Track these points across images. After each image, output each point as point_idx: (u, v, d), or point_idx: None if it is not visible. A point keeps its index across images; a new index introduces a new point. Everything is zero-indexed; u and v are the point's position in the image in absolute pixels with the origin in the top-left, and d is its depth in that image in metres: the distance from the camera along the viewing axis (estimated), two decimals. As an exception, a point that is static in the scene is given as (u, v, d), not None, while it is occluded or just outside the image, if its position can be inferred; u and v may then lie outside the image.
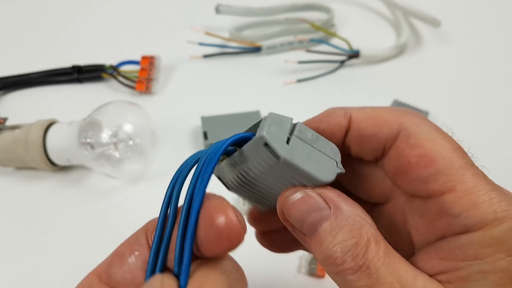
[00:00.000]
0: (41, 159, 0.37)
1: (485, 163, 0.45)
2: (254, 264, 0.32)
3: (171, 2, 0.61)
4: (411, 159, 0.17)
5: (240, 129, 0.46)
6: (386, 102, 0.44)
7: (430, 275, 0.16)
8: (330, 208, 0.17)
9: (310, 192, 0.17)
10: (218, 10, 0.54)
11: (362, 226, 0.16)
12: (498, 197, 0.15)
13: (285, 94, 0.48)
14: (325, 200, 0.17)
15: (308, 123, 0.20)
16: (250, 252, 0.33)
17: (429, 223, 0.17)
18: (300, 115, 0.47)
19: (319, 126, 0.20)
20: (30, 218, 0.36)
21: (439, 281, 0.16)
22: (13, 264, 0.33)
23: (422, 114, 0.18)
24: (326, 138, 0.19)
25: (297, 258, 0.33)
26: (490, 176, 0.17)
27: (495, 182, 0.17)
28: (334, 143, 0.19)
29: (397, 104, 0.44)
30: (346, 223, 0.16)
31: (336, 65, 0.50)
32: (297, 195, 0.17)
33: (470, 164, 0.16)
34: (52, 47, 0.54)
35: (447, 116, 0.45)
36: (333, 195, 0.17)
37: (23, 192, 0.39)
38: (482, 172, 0.16)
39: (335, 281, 0.17)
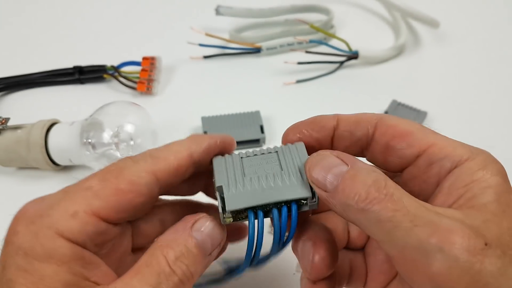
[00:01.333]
0: (43, 159, 0.37)
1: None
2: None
3: (171, 3, 0.61)
4: (394, 134, 0.21)
5: (240, 129, 0.46)
6: (385, 103, 0.45)
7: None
8: (347, 164, 0.19)
9: (329, 153, 0.20)
10: (218, 11, 0.54)
11: (374, 171, 0.19)
12: (468, 145, 0.20)
13: (284, 95, 0.48)
14: (342, 159, 0.20)
15: (302, 123, 0.23)
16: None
17: (425, 179, 0.20)
18: (299, 115, 0.47)
19: (313, 126, 0.23)
20: (32, 218, 0.37)
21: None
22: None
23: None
24: (318, 136, 0.23)
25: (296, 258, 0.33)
26: None
27: None
28: (325, 139, 0.23)
29: (396, 104, 0.44)
30: (364, 169, 0.19)
31: (335, 66, 0.50)
32: (318, 156, 0.20)
33: (435, 131, 0.21)
34: (53, 48, 0.54)
35: (445, 116, 0.45)
36: (347, 155, 0.20)
37: (25, 192, 0.39)
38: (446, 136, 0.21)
39: (359, 223, 0.18)
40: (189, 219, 0.21)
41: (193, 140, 0.23)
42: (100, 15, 0.60)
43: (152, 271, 0.19)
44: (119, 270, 0.21)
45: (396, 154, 0.21)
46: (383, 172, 0.19)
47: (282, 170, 0.21)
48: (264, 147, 0.42)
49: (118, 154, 0.37)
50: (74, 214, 0.19)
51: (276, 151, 0.23)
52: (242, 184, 0.21)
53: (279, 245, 0.22)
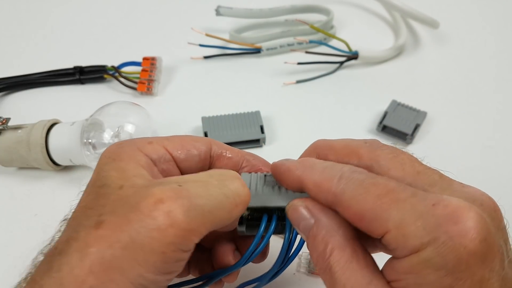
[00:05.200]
0: (43, 159, 0.37)
1: (484, 163, 0.45)
2: (254, 264, 0.33)
3: (171, 4, 0.61)
4: (350, 218, 0.20)
5: (240, 129, 0.46)
6: (385, 103, 0.45)
7: (388, 281, 0.19)
8: (313, 217, 0.21)
9: (300, 203, 0.22)
10: (218, 12, 0.54)
11: (331, 236, 0.20)
12: (422, 224, 0.18)
13: (284, 95, 0.48)
14: (309, 211, 0.21)
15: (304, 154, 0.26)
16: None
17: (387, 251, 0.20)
18: (299, 116, 0.47)
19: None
20: (32, 218, 0.37)
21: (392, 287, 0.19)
22: (14, 264, 0.34)
23: (350, 170, 0.21)
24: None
25: (297, 257, 0.33)
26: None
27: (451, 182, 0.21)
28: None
29: (396, 104, 0.44)
30: (321, 232, 0.21)
31: (335, 66, 0.50)
32: (291, 206, 0.23)
33: (394, 201, 0.19)
34: (54, 48, 0.55)
35: (445, 116, 0.45)
36: (316, 207, 0.21)
37: (25, 191, 0.39)
38: (410, 201, 0.19)
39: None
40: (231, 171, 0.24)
41: (255, 154, 0.28)
42: (101, 16, 0.60)
43: (218, 172, 0.23)
44: None
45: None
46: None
47: None
48: (265, 147, 0.42)
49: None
50: (150, 142, 0.24)
51: None
52: (261, 189, 0.24)
53: (287, 250, 0.24)
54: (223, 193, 0.21)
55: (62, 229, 0.22)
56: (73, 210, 0.22)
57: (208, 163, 0.26)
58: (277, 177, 0.24)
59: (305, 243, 0.22)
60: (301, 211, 0.22)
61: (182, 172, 0.25)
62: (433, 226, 0.18)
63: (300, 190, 0.23)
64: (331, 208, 0.21)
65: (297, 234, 0.23)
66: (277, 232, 0.24)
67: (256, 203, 0.23)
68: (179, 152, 0.25)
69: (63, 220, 0.24)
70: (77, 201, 0.22)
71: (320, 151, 0.24)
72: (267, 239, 0.23)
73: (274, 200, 0.23)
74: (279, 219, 0.24)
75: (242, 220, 0.24)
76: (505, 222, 0.20)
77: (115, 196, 0.20)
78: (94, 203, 0.21)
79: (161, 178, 0.23)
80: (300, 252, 0.33)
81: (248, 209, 0.23)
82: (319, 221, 0.21)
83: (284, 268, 0.24)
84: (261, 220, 0.23)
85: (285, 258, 0.24)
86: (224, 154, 0.26)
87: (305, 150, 0.25)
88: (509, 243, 0.19)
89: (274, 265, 0.24)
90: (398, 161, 0.21)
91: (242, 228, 0.25)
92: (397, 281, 0.19)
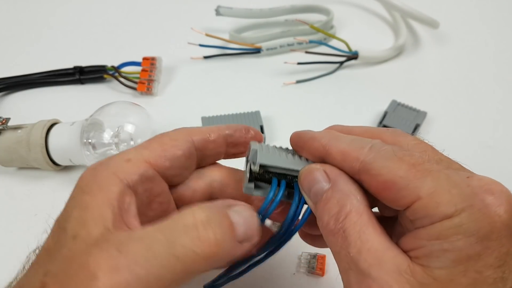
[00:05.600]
0: (43, 159, 0.37)
1: (483, 163, 0.45)
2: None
3: (171, 4, 0.62)
4: (377, 186, 0.20)
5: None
6: (385, 103, 0.45)
7: (405, 251, 0.19)
8: (329, 182, 0.21)
9: (318, 167, 0.21)
10: (218, 12, 0.54)
11: (348, 198, 0.20)
12: (458, 192, 0.18)
13: (284, 95, 0.48)
14: (327, 175, 0.21)
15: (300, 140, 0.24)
16: (250, 251, 0.33)
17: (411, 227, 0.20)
18: (299, 116, 0.47)
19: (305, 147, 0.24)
20: (32, 218, 0.37)
21: (410, 257, 0.18)
22: (14, 263, 0.34)
23: (381, 143, 0.21)
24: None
25: (296, 257, 0.33)
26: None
27: (468, 171, 0.21)
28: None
29: (396, 104, 0.44)
30: (337, 195, 0.20)
31: (335, 66, 0.50)
32: (308, 169, 0.22)
33: (428, 171, 0.19)
34: (54, 48, 0.55)
35: (445, 116, 0.45)
36: (335, 172, 0.21)
37: (25, 192, 0.39)
38: (444, 172, 0.19)
39: (328, 244, 0.20)
40: (231, 201, 0.22)
41: (228, 125, 0.27)
42: (101, 16, 0.60)
43: (173, 224, 0.19)
44: None
45: (384, 204, 0.20)
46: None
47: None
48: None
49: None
50: (128, 160, 0.22)
51: None
52: (273, 151, 0.24)
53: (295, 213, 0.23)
54: (172, 253, 0.18)
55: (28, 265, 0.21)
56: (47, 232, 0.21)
57: (195, 159, 0.25)
58: (298, 144, 0.23)
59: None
60: (316, 174, 0.21)
61: (170, 181, 0.24)
62: (469, 194, 0.18)
63: (321, 161, 0.22)
64: (355, 177, 0.21)
65: (303, 204, 0.23)
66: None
67: (271, 162, 0.22)
68: (163, 160, 0.23)
69: (34, 250, 0.22)
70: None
71: (339, 132, 0.23)
72: (275, 203, 0.22)
73: (291, 164, 0.23)
74: (287, 185, 0.23)
75: (251, 178, 0.24)
76: None
77: (66, 250, 0.19)
78: (50, 249, 0.20)
79: (118, 226, 0.20)
80: (300, 253, 0.33)
81: (261, 166, 0.22)
82: (336, 184, 0.20)
83: (286, 240, 0.24)
84: (270, 182, 0.23)
85: (289, 228, 0.23)
86: (207, 138, 0.25)
87: (323, 130, 0.24)
88: None
89: (275, 237, 0.24)
90: (421, 148, 0.21)
91: (251, 186, 0.24)
92: (418, 249, 0.18)
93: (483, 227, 0.17)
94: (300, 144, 0.23)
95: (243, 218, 0.21)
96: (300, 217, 0.23)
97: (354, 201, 0.20)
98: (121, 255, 0.18)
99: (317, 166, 0.22)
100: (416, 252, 0.18)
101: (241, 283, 0.31)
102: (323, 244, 0.25)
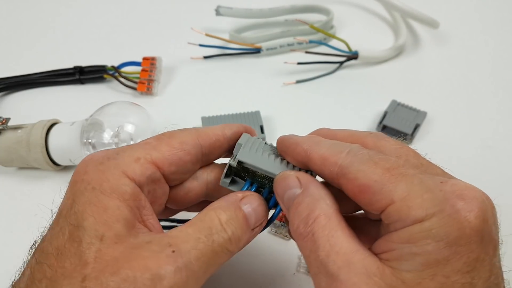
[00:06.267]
0: (43, 159, 0.37)
1: (483, 163, 0.45)
2: (254, 264, 0.33)
3: (171, 3, 0.62)
4: (353, 190, 0.20)
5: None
6: (385, 103, 0.45)
7: (377, 254, 0.19)
8: (301, 187, 0.21)
9: (291, 173, 0.22)
10: (218, 12, 0.54)
11: (318, 203, 0.20)
12: (430, 197, 0.18)
13: (284, 95, 0.48)
14: (299, 181, 0.22)
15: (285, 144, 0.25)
16: (250, 252, 0.33)
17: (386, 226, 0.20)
18: (299, 116, 0.47)
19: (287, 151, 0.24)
20: (32, 218, 0.37)
21: (381, 259, 0.19)
22: (14, 263, 0.34)
23: (359, 147, 0.21)
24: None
25: (296, 257, 0.33)
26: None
27: (445, 174, 0.21)
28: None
29: (396, 104, 0.44)
30: (307, 199, 0.21)
31: (335, 66, 0.50)
32: (281, 176, 0.23)
33: (402, 175, 0.19)
34: (54, 48, 0.55)
35: (445, 116, 0.45)
36: (306, 177, 0.22)
37: (25, 191, 0.39)
38: (418, 176, 0.19)
39: (299, 248, 0.21)
40: (239, 194, 0.24)
41: (227, 124, 0.27)
42: (101, 16, 0.60)
43: (205, 225, 0.21)
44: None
45: (362, 207, 0.21)
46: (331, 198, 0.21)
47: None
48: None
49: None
50: (137, 159, 0.22)
51: None
52: (259, 150, 0.25)
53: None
54: (213, 251, 0.21)
55: (29, 259, 0.21)
56: (42, 236, 0.21)
57: (200, 164, 0.26)
58: (282, 149, 0.24)
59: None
60: (291, 179, 0.22)
61: (171, 182, 0.24)
62: (440, 199, 0.18)
63: (304, 165, 0.23)
64: (333, 182, 0.21)
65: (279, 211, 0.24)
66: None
67: (250, 161, 0.24)
68: (170, 164, 0.23)
69: (32, 246, 0.22)
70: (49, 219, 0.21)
71: (323, 136, 0.24)
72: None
73: (268, 166, 0.24)
74: (260, 187, 0.25)
75: (230, 172, 0.25)
76: (499, 223, 0.20)
77: (96, 250, 0.19)
78: (70, 250, 0.19)
79: (143, 229, 0.21)
80: (300, 253, 0.33)
81: (239, 163, 0.24)
82: (307, 189, 0.21)
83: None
84: (245, 179, 0.25)
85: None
86: (214, 143, 0.25)
87: (306, 135, 0.25)
88: (499, 240, 0.19)
89: None
90: (403, 152, 0.22)
91: (227, 180, 0.25)
92: (389, 252, 0.19)
93: (452, 232, 0.17)
94: (284, 149, 0.24)
95: (253, 208, 0.23)
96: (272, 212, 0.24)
97: (324, 205, 0.20)
98: (178, 255, 0.19)
99: (291, 172, 0.23)
100: (387, 254, 0.19)
101: (241, 283, 0.32)
102: None
